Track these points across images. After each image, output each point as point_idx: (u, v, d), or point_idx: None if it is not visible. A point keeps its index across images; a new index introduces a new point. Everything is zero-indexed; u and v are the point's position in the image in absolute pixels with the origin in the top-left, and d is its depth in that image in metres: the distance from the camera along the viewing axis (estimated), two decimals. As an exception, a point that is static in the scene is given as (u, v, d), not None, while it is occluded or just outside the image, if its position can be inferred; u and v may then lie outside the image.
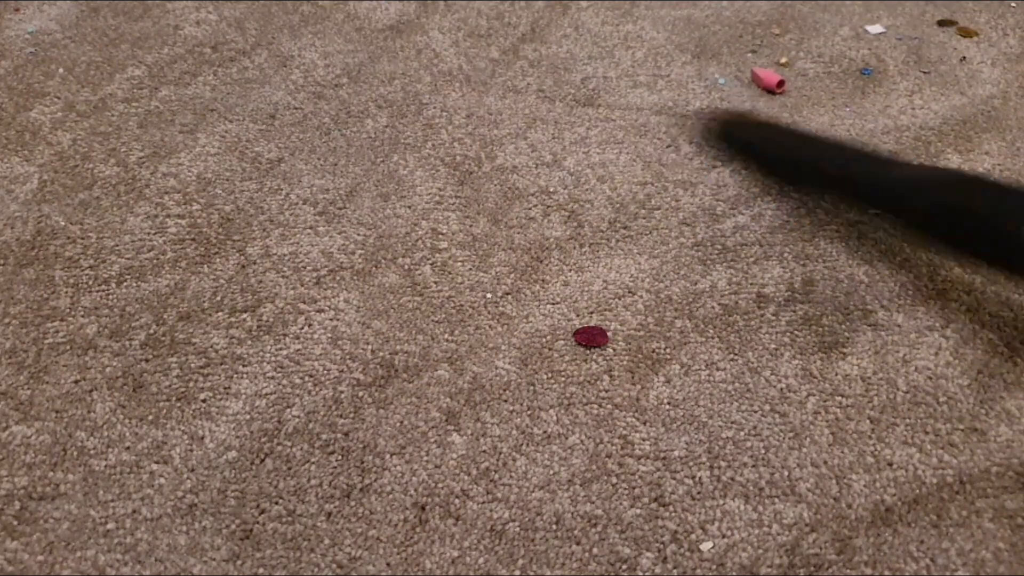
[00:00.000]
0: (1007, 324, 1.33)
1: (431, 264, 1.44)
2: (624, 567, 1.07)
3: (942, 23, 2.00)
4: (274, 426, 1.21)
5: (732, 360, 1.29)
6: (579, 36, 1.97)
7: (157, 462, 1.18)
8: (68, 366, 1.29)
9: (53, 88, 1.82)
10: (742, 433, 1.20)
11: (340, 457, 1.18)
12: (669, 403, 1.24)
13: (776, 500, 1.13)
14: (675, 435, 1.20)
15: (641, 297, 1.39)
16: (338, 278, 1.42)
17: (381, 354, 1.30)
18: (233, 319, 1.35)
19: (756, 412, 1.22)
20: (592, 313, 1.36)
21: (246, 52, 1.92)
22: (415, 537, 1.10)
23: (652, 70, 1.87)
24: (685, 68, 1.87)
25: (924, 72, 1.79)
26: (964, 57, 1.76)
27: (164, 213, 1.53)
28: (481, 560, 1.08)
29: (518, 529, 1.10)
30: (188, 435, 1.20)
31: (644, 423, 1.21)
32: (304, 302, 1.38)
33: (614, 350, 1.31)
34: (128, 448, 1.19)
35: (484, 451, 1.18)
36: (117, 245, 1.47)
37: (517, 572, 1.06)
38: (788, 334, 1.33)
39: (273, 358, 1.30)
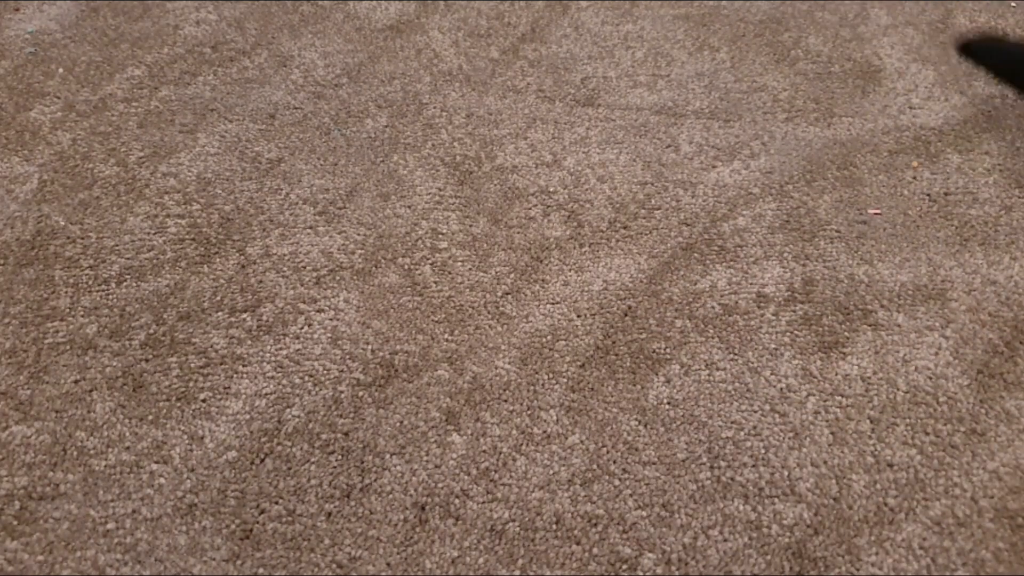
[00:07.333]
0: (1007, 324, 1.33)
1: (431, 264, 1.44)
2: (624, 567, 1.07)
3: None
4: (274, 426, 1.21)
5: (732, 360, 1.29)
6: (579, 36, 1.97)
7: (157, 462, 1.18)
8: (68, 366, 1.29)
9: (53, 88, 1.82)
10: (742, 433, 1.20)
11: (340, 457, 1.18)
12: (669, 403, 1.24)
13: (776, 500, 1.12)
14: (675, 435, 1.20)
15: (641, 297, 1.39)
16: (338, 278, 1.42)
17: (381, 354, 1.30)
18: (233, 319, 1.35)
19: (756, 412, 1.22)
20: (594, 314, 1.36)
21: (246, 52, 1.92)
22: (415, 537, 1.10)
23: (652, 70, 1.87)
24: (685, 68, 1.87)
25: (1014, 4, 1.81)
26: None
27: (164, 213, 1.53)
28: (481, 560, 1.08)
29: (518, 529, 1.10)
30: (188, 435, 1.20)
31: (644, 423, 1.21)
32: (304, 302, 1.38)
33: (615, 353, 1.31)
34: (128, 448, 1.19)
35: (484, 451, 1.18)
36: (117, 245, 1.47)
37: (517, 572, 1.06)
38: (788, 334, 1.32)
39: (273, 358, 1.30)
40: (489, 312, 1.37)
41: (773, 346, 1.31)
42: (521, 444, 1.19)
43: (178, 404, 1.24)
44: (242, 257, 1.45)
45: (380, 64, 1.89)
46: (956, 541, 1.08)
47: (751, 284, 1.40)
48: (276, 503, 1.13)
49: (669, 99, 1.79)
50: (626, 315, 1.36)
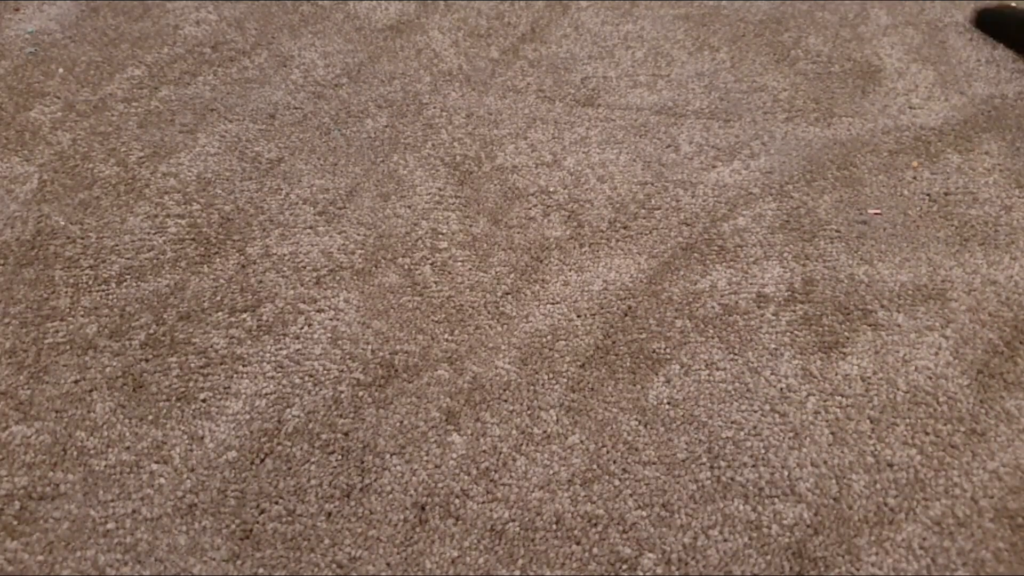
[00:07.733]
0: (1007, 324, 1.33)
1: (431, 264, 1.44)
2: (624, 567, 1.07)
3: None
4: (274, 426, 1.21)
5: (732, 360, 1.29)
6: (579, 36, 1.97)
7: (157, 462, 1.18)
8: (68, 366, 1.29)
9: (53, 88, 1.82)
10: (742, 433, 1.20)
11: (340, 457, 1.18)
12: (669, 403, 1.24)
13: (776, 500, 1.13)
14: (675, 435, 1.20)
15: (641, 297, 1.39)
16: (338, 278, 1.42)
17: (381, 354, 1.30)
18: (233, 319, 1.35)
19: (756, 412, 1.22)
20: (594, 314, 1.36)
21: (246, 52, 1.92)
22: (415, 537, 1.10)
23: (652, 70, 1.87)
24: (685, 68, 1.87)
25: None
26: None
27: (164, 213, 1.53)
28: (481, 560, 1.08)
29: (518, 529, 1.10)
30: (188, 435, 1.20)
31: (644, 423, 1.21)
32: (304, 302, 1.38)
33: (615, 353, 1.31)
34: (128, 448, 1.19)
35: (484, 451, 1.18)
36: (117, 245, 1.47)
37: (517, 572, 1.06)
38: (788, 334, 1.33)
39: (273, 358, 1.30)
40: (489, 312, 1.37)
41: (773, 346, 1.31)
42: (521, 444, 1.19)
43: (178, 404, 1.24)
44: (242, 257, 1.45)
45: (380, 64, 1.89)
46: (956, 541, 1.08)
47: (751, 284, 1.40)
48: (276, 503, 1.13)
49: (669, 99, 1.79)
50: (626, 315, 1.36)
